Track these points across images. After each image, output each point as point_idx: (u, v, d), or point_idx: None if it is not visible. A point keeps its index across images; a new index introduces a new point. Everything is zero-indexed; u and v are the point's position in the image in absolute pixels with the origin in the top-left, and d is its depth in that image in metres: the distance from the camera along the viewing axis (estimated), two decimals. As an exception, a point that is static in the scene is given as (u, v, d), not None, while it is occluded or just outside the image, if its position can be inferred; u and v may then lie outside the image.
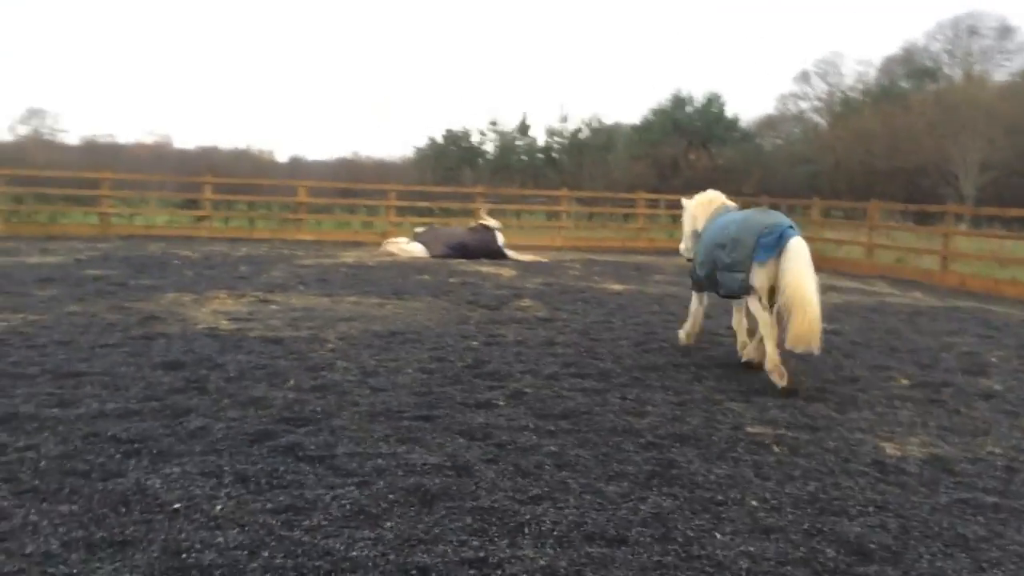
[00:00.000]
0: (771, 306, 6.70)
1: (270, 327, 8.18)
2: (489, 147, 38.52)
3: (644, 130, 38.05)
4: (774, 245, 6.67)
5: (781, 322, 6.48)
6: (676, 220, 28.51)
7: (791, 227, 6.79)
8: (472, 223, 18.20)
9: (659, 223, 24.35)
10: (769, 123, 44.40)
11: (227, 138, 66.79)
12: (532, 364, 6.96)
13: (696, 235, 7.95)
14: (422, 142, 42.49)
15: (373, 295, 10.73)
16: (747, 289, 6.83)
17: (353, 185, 26.15)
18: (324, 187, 25.80)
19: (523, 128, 38.38)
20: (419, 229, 17.83)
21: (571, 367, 6.92)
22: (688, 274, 8.14)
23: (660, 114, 38.49)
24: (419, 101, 68.26)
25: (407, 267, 14.39)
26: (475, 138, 38.47)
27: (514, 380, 6.38)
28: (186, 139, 72.67)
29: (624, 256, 19.24)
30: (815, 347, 6.26)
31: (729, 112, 38.78)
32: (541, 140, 38.83)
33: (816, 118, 44.31)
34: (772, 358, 6.61)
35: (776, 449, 5.09)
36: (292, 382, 6.02)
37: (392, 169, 36.36)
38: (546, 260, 17.25)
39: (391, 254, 16.94)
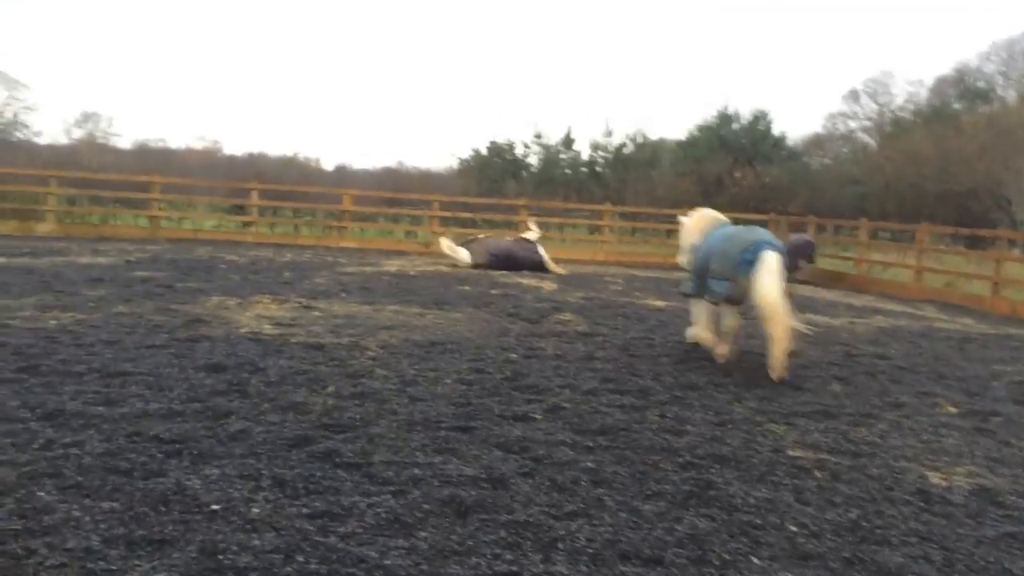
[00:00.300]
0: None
1: (312, 333, 8.16)
2: (533, 160, 38.50)
3: (689, 146, 37.81)
4: (753, 260, 7.45)
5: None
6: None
7: (769, 243, 7.50)
8: (516, 234, 18.16)
9: None
10: (817, 142, 43.63)
11: (275, 145, 67.84)
12: (571, 379, 6.82)
13: (693, 248, 8.65)
14: (467, 153, 42.87)
15: (414, 304, 10.64)
16: (729, 297, 7.72)
17: (397, 195, 26.21)
18: (369, 196, 25.88)
19: (567, 142, 38.33)
20: (468, 239, 17.83)
21: (610, 383, 6.76)
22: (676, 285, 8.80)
23: (706, 131, 38.25)
24: (465, 113, 68.81)
25: (449, 277, 14.31)
26: (519, 151, 38.48)
27: (552, 394, 6.24)
28: (235, 145, 73.85)
29: (666, 272, 18.91)
30: (789, 341, 7.22)
31: (776, 130, 38.55)
32: (585, 154, 38.77)
33: (865, 138, 43.56)
34: (707, 337, 8.18)
35: (817, 474, 4.97)
36: (332, 388, 5.91)
37: (436, 179, 36.41)
38: (585, 272, 17.16)
39: (443, 251, 16.92)
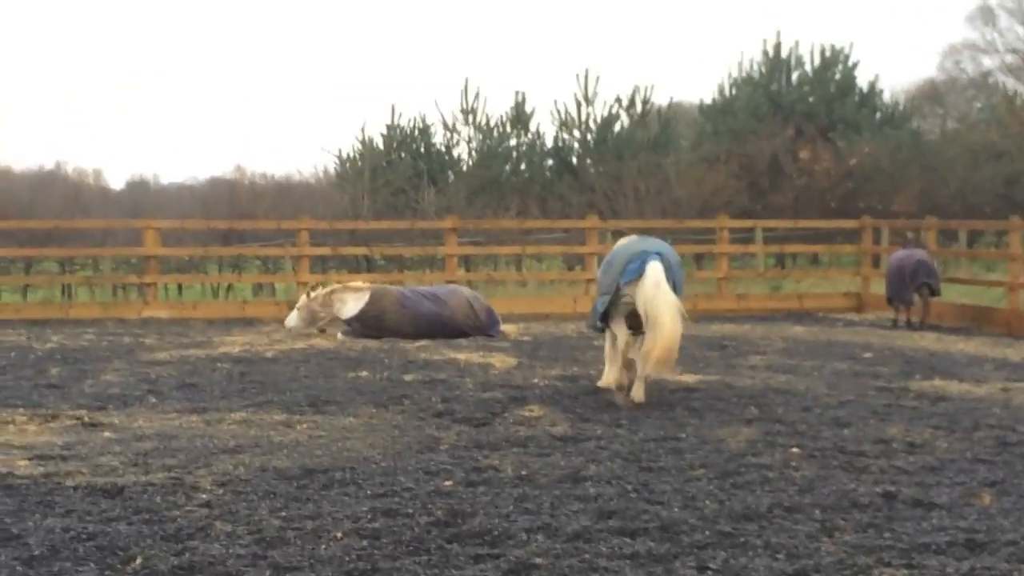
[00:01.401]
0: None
1: (101, 468, 6.49)
2: (462, 150, 28.02)
3: (721, 113, 27.51)
4: (637, 271, 8.04)
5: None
6: (783, 262, 24.31)
7: (657, 253, 8.14)
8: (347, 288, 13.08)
9: (755, 267, 20.24)
10: (931, 93, 31.50)
11: (24, 155, 54.79)
12: (546, 515, 5.48)
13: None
14: (348, 146, 31.65)
15: (275, 408, 8.41)
16: (610, 315, 8.34)
17: (238, 223, 19.44)
18: (189, 229, 19.21)
19: (519, 118, 27.58)
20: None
21: (612, 518, 5.44)
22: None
23: (747, 86, 27.48)
24: (341, 83, 50.70)
25: (331, 358, 11.43)
26: (438, 137, 27.98)
27: (516, 544, 5.00)
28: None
29: (698, 325, 15.60)
30: (668, 369, 8.14)
31: (863, 78, 27.36)
32: (550, 137, 28.28)
33: (1010, 82, 30.73)
34: (609, 377, 8.62)
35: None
36: (139, 562, 4.78)
37: (302, 194, 27.69)
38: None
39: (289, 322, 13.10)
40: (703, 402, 8.88)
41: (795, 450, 6.97)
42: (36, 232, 18.97)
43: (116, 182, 35.29)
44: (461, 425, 7.88)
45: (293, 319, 13.09)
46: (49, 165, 33.99)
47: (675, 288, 8.14)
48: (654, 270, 8.02)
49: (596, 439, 7.40)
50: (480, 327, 13.01)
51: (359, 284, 13.34)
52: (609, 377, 8.77)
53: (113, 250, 19.19)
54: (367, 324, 12.74)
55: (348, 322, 12.83)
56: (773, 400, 8.89)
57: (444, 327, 12.83)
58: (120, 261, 19.15)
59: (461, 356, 11.72)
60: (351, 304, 12.86)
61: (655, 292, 7.90)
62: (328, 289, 13.23)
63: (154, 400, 9.04)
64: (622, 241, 9.19)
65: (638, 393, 8.21)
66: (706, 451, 6.95)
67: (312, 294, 13.11)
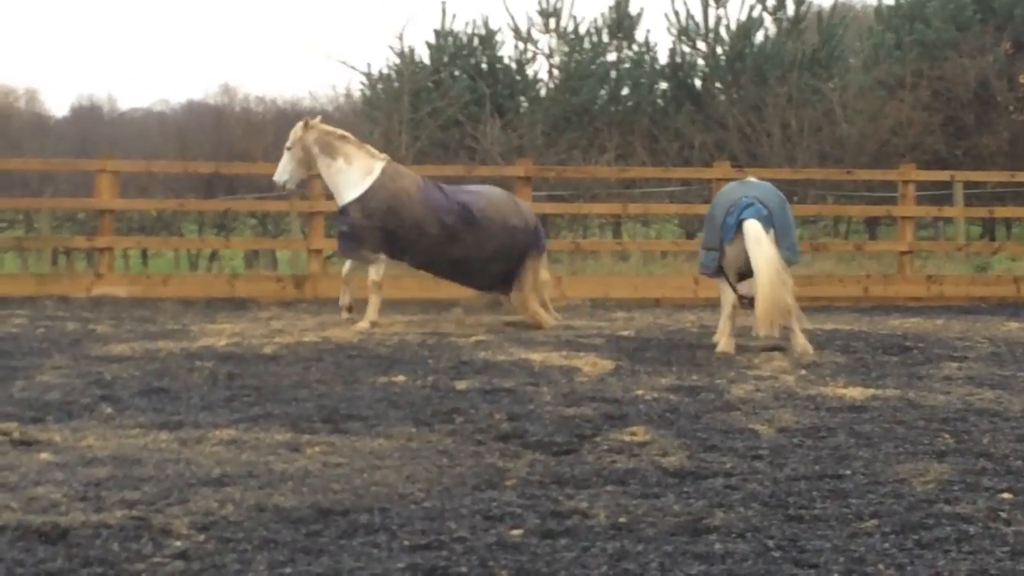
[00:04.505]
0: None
1: (37, 504, 6.65)
2: (541, 70, 29.09)
3: (907, 18, 27.92)
4: (734, 226, 10.55)
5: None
6: (993, 231, 24.20)
7: (749, 204, 10.60)
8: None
9: (952, 238, 20.53)
10: None
11: None
12: None
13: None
14: (380, 59, 35.15)
15: (276, 423, 8.73)
16: (719, 271, 11.09)
17: (227, 167, 20.09)
18: (158, 174, 19.94)
19: (620, 23, 28.39)
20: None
21: None
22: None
23: None
24: None
25: (353, 355, 11.73)
26: (507, 49, 28.63)
27: None
28: None
29: (871, 317, 15.49)
30: (773, 329, 10.90)
31: None
32: (663, 50, 29.02)
33: None
34: (720, 343, 11.62)
35: None
36: None
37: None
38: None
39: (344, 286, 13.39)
40: (876, 426, 9.04)
41: (1006, 495, 7.05)
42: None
43: (58, 107, 36.88)
44: (535, 452, 8.09)
45: (285, 166, 13.52)
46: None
47: (780, 234, 10.72)
48: (751, 227, 10.44)
49: (724, 475, 7.43)
50: (531, 229, 13.33)
51: (372, 150, 13.57)
52: (720, 343, 11.51)
53: (53, 201, 19.62)
54: (371, 215, 12.83)
55: (343, 212, 12.98)
56: (976, 425, 9.02)
57: (484, 235, 13.04)
58: (63, 217, 19.69)
59: (536, 356, 11.96)
60: (355, 174, 13.04)
61: (754, 248, 10.37)
62: (338, 132, 13.52)
63: (109, 410, 9.29)
64: (724, 188, 11.82)
65: (802, 346, 11.21)
66: (879, 495, 7.03)
67: (312, 122, 13.46)
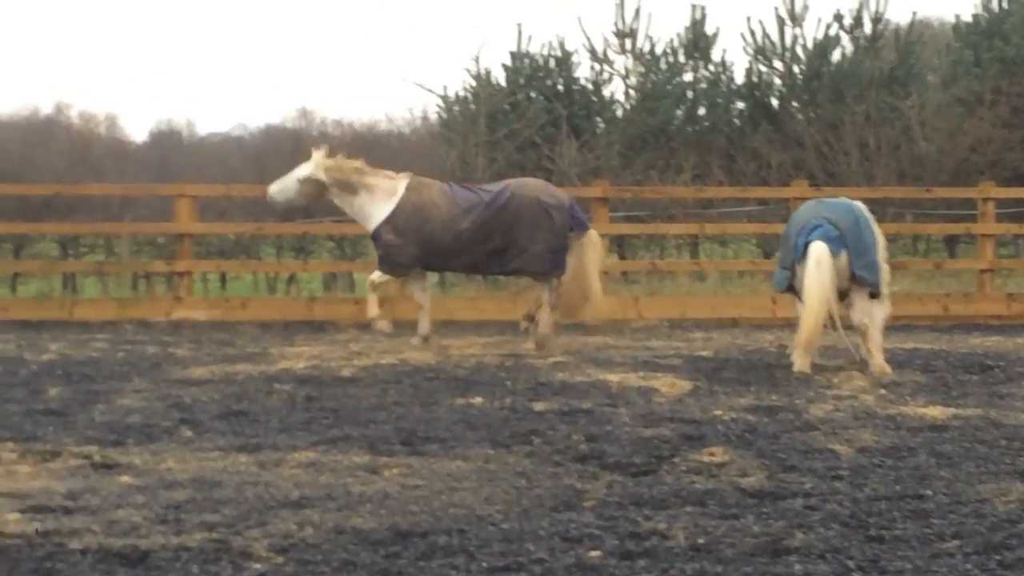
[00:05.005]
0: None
1: (118, 527, 6.67)
2: (617, 90, 29.16)
3: (986, 35, 28.08)
4: (802, 248, 10.82)
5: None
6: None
7: (818, 225, 10.81)
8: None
9: None
10: None
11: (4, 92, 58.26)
12: None
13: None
14: (456, 84, 33.87)
15: (354, 446, 8.83)
16: (792, 288, 11.48)
17: None
18: (237, 198, 20.06)
19: (696, 43, 28.80)
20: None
21: None
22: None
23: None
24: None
25: (432, 377, 11.88)
26: (583, 70, 28.98)
27: None
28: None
29: (951, 335, 15.70)
30: (807, 357, 11.55)
31: None
32: (740, 70, 29.11)
33: None
34: (796, 361, 11.89)
35: None
36: None
37: (393, 148, 28.89)
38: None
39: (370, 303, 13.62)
40: (957, 446, 9.02)
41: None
42: (29, 201, 19.99)
43: (137, 132, 37.32)
44: (613, 473, 8.14)
45: (288, 189, 13.59)
46: (47, 109, 35.30)
47: (854, 253, 10.85)
48: (815, 249, 10.68)
49: (804, 496, 7.46)
50: (564, 206, 13.46)
51: (389, 173, 13.66)
52: (796, 362, 11.72)
53: (133, 225, 19.75)
54: (402, 232, 12.91)
55: (375, 237, 13.07)
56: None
57: (516, 217, 13.18)
58: (142, 241, 19.96)
59: (613, 377, 12.06)
60: (379, 202, 13.11)
61: (811, 273, 10.67)
62: (354, 164, 13.51)
63: (189, 434, 9.45)
64: (800, 208, 11.95)
65: (880, 366, 11.41)
66: (961, 515, 7.01)
67: (327, 164, 13.37)
